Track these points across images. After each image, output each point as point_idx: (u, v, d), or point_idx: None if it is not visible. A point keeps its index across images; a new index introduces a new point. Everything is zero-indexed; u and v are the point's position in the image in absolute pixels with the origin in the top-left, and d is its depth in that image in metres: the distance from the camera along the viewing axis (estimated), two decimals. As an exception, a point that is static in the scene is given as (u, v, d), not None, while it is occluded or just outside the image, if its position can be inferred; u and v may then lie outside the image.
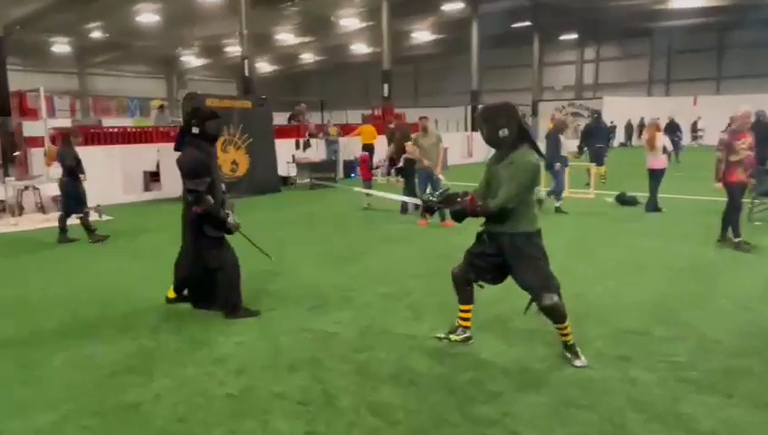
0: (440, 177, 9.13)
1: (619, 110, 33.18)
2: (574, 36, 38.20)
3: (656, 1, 29.35)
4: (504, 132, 3.77)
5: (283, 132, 16.69)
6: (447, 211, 4.68)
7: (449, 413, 3.27)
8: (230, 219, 4.80)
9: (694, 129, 31.52)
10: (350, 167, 17.51)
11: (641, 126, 32.50)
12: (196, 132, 4.76)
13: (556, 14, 32.90)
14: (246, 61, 18.13)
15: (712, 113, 27.26)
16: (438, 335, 4.31)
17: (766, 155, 11.64)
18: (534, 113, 34.48)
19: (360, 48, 40.12)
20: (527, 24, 34.46)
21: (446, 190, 4.33)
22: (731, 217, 7.23)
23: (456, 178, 10.84)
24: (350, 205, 11.75)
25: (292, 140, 16.46)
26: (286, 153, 15.69)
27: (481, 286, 4.20)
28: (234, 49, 34.20)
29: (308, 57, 44.34)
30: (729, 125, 8.25)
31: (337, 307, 5.19)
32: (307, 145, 16.73)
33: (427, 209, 4.68)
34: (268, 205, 12.28)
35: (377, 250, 7.52)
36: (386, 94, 24.89)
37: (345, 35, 36.67)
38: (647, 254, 7.01)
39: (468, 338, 4.24)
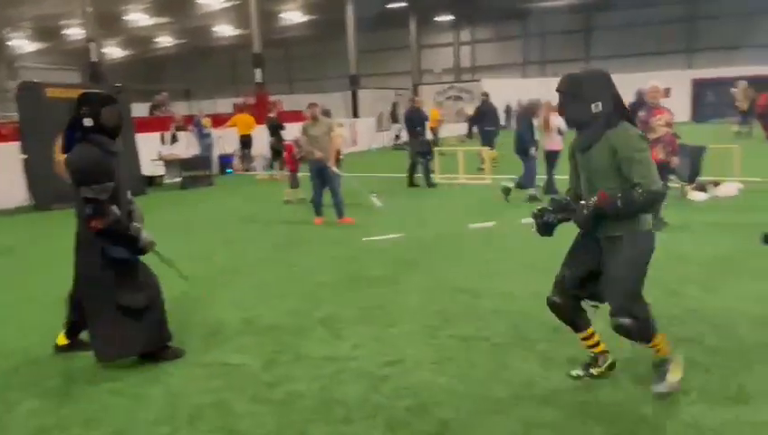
0: (334, 169, 8.68)
1: (497, 92, 34.68)
2: (450, 18, 39.31)
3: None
4: (597, 106, 3.19)
5: (146, 125, 15.30)
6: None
7: (397, 455, 2.87)
8: (143, 236, 3.88)
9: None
10: (225, 162, 16.50)
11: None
12: (89, 125, 3.79)
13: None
14: (93, 44, 16.42)
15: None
16: (575, 373, 3.56)
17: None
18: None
19: (225, 30, 38.41)
20: (403, 4, 34.86)
21: (559, 199, 3.56)
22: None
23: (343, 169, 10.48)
24: (231, 207, 10.96)
25: (157, 134, 15.14)
26: (151, 149, 14.36)
27: (596, 307, 3.49)
28: (76, 31, 31.15)
29: (166, 40, 41.67)
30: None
31: (235, 332, 4.57)
32: (174, 139, 15.48)
33: (547, 228, 3.59)
34: (133, 210, 11.10)
35: (272, 259, 6.91)
36: (259, 80, 23.87)
37: (207, 16, 34.85)
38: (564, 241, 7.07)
39: (613, 364, 3.55)
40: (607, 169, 3.17)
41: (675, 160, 7.46)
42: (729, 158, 10.56)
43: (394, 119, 25.79)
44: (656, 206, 3.17)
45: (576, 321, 3.51)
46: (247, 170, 16.48)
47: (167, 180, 14.42)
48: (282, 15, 35.32)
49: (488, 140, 14.20)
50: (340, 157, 10.80)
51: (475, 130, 18.76)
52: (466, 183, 12.68)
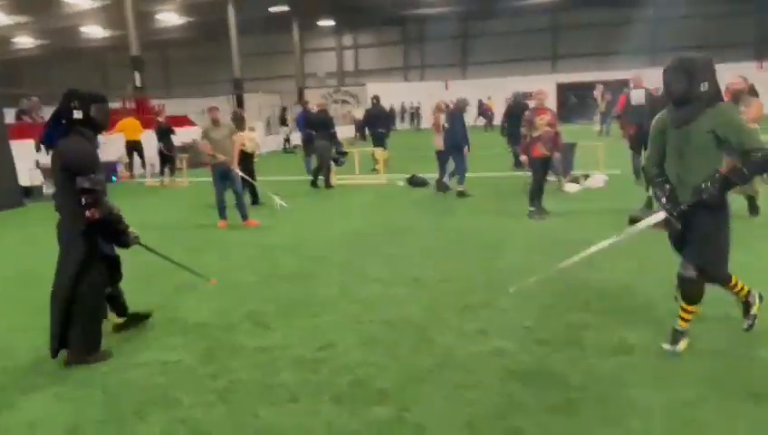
0: (238, 171, 8.74)
1: (381, 95, 35.67)
2: (332, 23, 39.78)
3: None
4: (704, 86, 3.55)
5: (22, 131, 14.25)
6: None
7: (345, 423, 3.17)
8: (131, 230, 4.09)
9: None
10: (109, 169, 15.72)
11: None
12: (78, 117, 3.93)
13: (313, 0, 33.85)
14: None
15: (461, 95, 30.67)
16: (667, 348, 3.82)
17: (521, 133, 13.65)
18: (300, 102, 35.07)
19: (95, 31, 36.22)
20: (285, 8, 34.81)
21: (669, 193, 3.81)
22: (533, 188, 8.33)
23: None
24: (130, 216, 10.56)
25: (33, 142, 14.12)
26: (27, 157, 13.38)
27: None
28: None
29: (26, 41, 38.51)
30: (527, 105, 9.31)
31: (164, 332, 4.63)
32: (51, 147, 14.52)
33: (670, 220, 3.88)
34: (9, 223, 10.40)
35: (187, 262, 6.89)
36: (138, 84, 22.94)
37: (74, 16, 32.71)
38: (466, 231, 7.70)
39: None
40: (706, 144, 3.59)
41: (556, 155, 8.39)
42: (594, 154, 11.86)
43: (283, 122, 25.77)
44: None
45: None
46: (134, 177, 15.85)
47: (47, 191, 13.53)
48: (158, 17, 33.97)
49: (380, 141, 14.79)
50: (255, 160, 10.84)
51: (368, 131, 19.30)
52: (363, 183, 13.12)
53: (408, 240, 7.43)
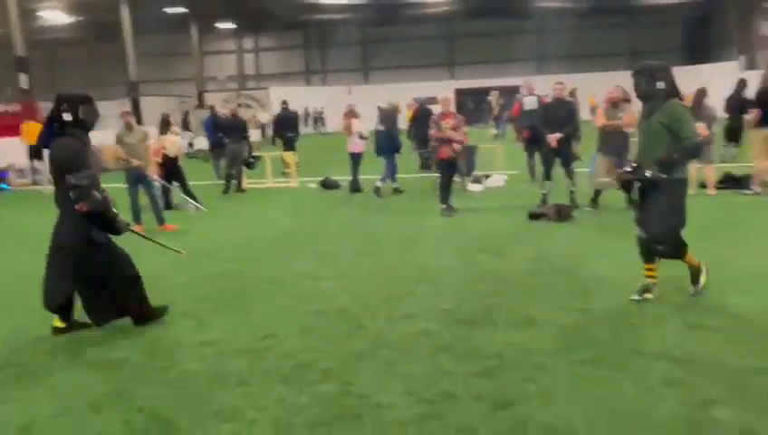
0: (154, 176, 8.71)
1: (285, 99, 35.67)
2: (232, 26, 39.23)
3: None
4: (660, 85, 4.51)
5: None
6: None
7: (296, 398, 3.50)
8: (119, 218, 4.47)
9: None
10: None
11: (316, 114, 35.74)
12: (68, 119, 4.34)
13: (211, 1, 33.25)
14: None
15: (364, 101, 31.31)
16: (635, 298, 4.73)
17: (427, 136, 14.39)
18: (201, 105, 34.28)
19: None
20: (182, 10, 33.94)
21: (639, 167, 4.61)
22: (441, 187, 8.99)
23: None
24: (25, 227, 10.15)
25: None
26: None
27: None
28: None
29: None
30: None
31: (104, 332, 4.70)
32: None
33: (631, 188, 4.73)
34: None
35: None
36: (25, 86, 21.61)
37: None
38: (384, 229, 8.17)
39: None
40: (659, 133, 4.51)
41: (456, 147, 9.08)
42: (494, 155, 12.79)
43: (185, 126, 25.18)
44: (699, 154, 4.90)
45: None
46: (35, 184, 15.05)
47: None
48: (42, 14, 31.94)
49: (290, 145, 15.00)
50: (179, 164, 10.72)
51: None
52: (275, 187, 13.30)
53: (331, 239, 7.80)
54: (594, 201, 8.72)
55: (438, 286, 5.49)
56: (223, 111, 17.14)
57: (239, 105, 33.00)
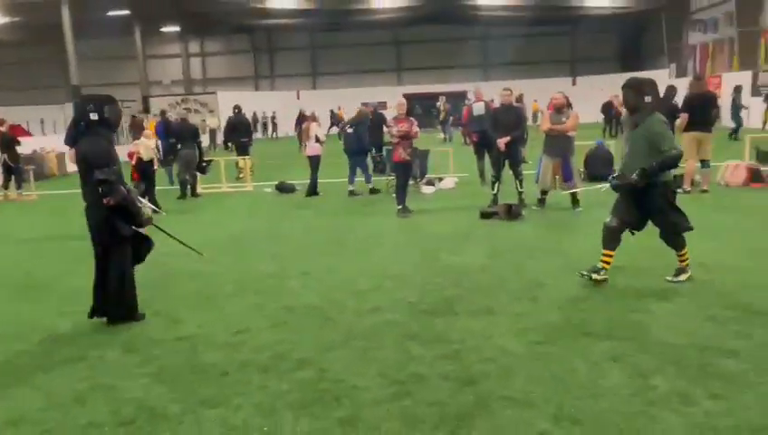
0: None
1: (232, 104, 35.39)
2: (177, 29, 38.62)
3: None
4: (648, 99, 5.00)
5: None
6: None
7: (276, 385, 3.73)
8: (143, 212, 4.88)
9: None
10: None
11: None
12: (94, 118, 4.66)
13: (155, 4, 32.66)
14: None
15: (312, 106, 31.37)
16: (583, 273, 5.29)
17: (381, 141, 14.75)
18: (147, 110, 33.62)
19: None
20: (125, 12, 33.24)
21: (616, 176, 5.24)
22: (397, 189, 9.32)
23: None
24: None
25: None
26: None
27: (633, 234, 5.39)
28: None
29: None
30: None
31: (75, 334, 4.80)
32: None
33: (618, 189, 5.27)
34: None
35: (75, 272, 6.88)
36: (-41, 90, 20.76)
37: None
38: (342, 230, 8.42)
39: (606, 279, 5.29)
40: (642, 145, 5.02)
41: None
42: (446, 159, 13.24)
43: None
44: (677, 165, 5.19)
45: (615, 242, 5.29)
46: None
47: None
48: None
49: (244, 150, 15.04)
50: (155, 168, 10.68)
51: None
52: (230, 191, 13.34)
53: (290, 240, 8.00)
54: (541, 201, 9.23)
55: (401, 282, 5.79)
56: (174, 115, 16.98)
57: (186, 110, 32.61)
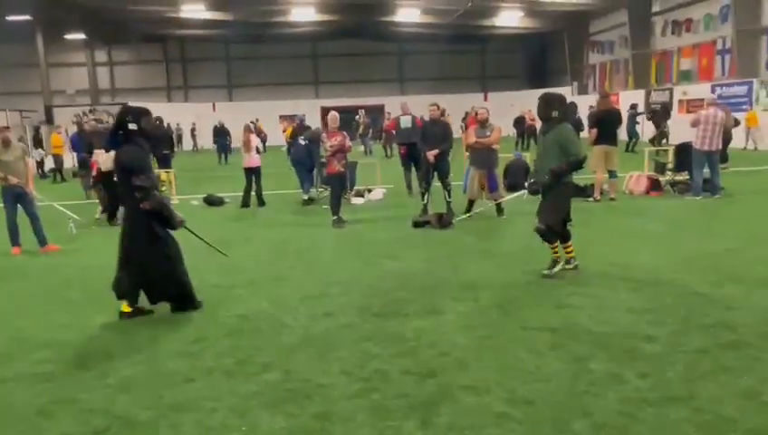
0: (35, 194, 8.36)
1: (158, 116, 34.13)
2: (82, 36, 36.86)
3: (166, 9, 31.28)
4: (555, 113, 5.82)
5: None
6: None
7: (245, 386, 3.86)
8: (176, 215, 5.20)
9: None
10: None
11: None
12: (133, 128, 5.07)
13: (59, 10, 31.06)
14: None
15: (229, 118, 30.77)
16: (545, 273, 5.98)
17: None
18: (50, 121, 31.80)
19: None
20: (26, 17, 31.37)
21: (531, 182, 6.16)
22: (332, 201, 9.56)
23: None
24: None
25: None
26: None
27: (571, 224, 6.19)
28: None
29: None
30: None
31: (20, 349, 4.67)
32: None
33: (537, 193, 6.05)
34: None
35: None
36: None
37: None
38: (280, 241, 8.52)
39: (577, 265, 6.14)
40: (552, 149, 5.82)
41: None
42: (373, 170, 13.61)
43: (38, 144, 23.39)
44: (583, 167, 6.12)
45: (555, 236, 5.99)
46: None
47: None
48: None
49: (166, 163, 14.72)
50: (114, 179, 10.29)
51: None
52: (154, 205, 13.00)
53: (230, 251, 7.99)
54: (468, 210, 9.75)
55: (348, 287, 6.03)
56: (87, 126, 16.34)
57: (97, 121, 31.17)
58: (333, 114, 9.83)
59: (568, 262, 6.16)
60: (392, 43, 39.75)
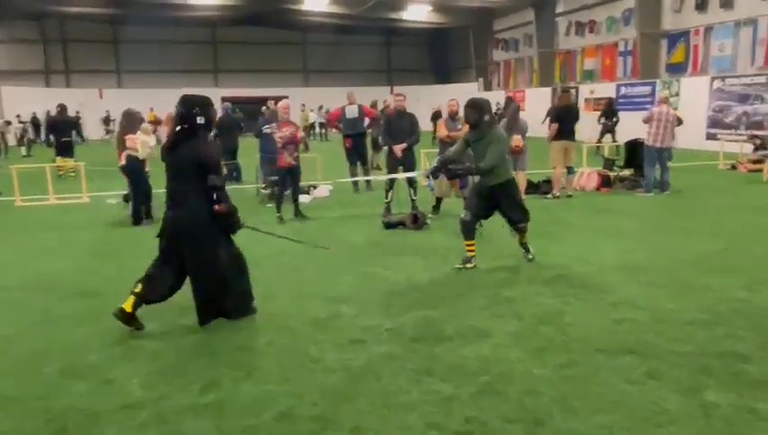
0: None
1: (21, 101, 30.33)
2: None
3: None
4: (487, 117, 6.00)
5: None
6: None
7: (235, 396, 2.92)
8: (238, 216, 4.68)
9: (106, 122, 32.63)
10: None
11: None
12: (201, 123, 4.51)
13: None
14: None
15: (118, 106, 28.20)
16: (458, 266, 6.10)
17: (235, 146, 13.64)
18: None
19: None
20: None
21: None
22: (278, 194, 8.91)
23: None
24: None
25: None
26: None
27: (481, 225, 6.62)
28: None
29: None
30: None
31: None
32: None
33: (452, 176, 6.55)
34: None
35: None
36: None
37: None
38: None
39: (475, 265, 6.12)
40: (485, 150, 5.91)
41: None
42: (314, 166, 12.55)
43: None
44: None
45: (473, 233, 6.20)
46: None
47: None
48: None
49: (65, 150, 12.87)
50: (148, 170, 8.95)
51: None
52: (59, 203, 11.15)
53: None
54: (436, 208, 9.09)
55: (359, 306, 5.11)
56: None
57: None
58: (285, 102, 8.81)
59: (468, 260, 6.16)
60: (297, 33, 38.34)
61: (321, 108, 32.44)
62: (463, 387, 3.60)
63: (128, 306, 4.52)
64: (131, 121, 9.08)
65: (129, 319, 4.53)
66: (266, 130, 10.42)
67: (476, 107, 6.03)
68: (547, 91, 27.44)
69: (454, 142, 8.64)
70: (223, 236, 4.63)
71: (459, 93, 26.27)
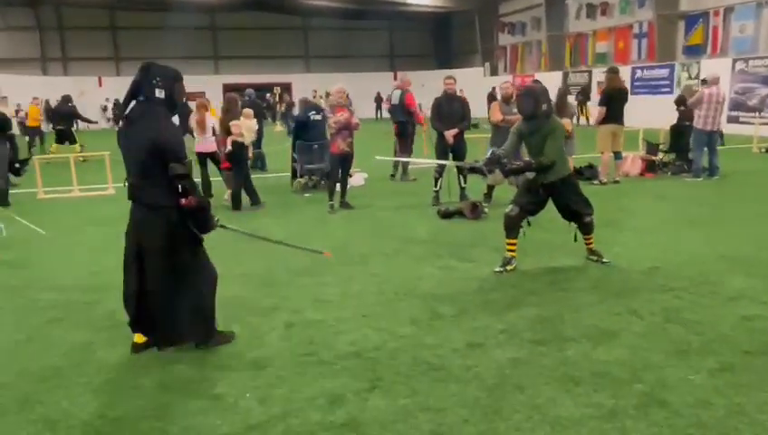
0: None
1: (15, 91, 29.51)
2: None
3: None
4: (544, 107, 5.30)
5: None
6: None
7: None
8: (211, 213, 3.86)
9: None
10: None
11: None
12: (161, 97, 3.67)
13: None
14: None
15: (118, 95, 27.51)
16: (497, 269, 5.40)
17: (260, 134, 13.12)
18: None
19: None
20: None
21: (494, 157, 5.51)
22: (330, 182, 8.51)
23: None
24: None
25: None
26: None
27: (529, 223, 5.56)
28: None
29: None
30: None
31: None
32: None
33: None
34: None
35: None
36: None
37: None
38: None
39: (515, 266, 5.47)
40: (542, 144, 5.30)
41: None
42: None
43: None
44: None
45: (517, 231, 5.47)
46: None
47: None
48: None
49: (65, 137, 12.50)
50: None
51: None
52: (84, 195, 10.64)
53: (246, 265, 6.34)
54: (488, 196, 8.68)
55: (454, 303, 4.72)
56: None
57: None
58: (340, 87, 8.32)
59: (508, 262, 5.47)
60: (297, 18, 37.56)
61: (327, 94, 31.86)
62: (622, 398, 3.21)
63: (139, 338, 3.93)
64: (234, 107, 8.96)
65: (146, 346, 3.91)
66: (315, 116, 9.97)
67: (532, 95, 5.37)
68: (558, 75, 26.99)
69: (508, 127, 8.25)
70: (188, 239, 3.76)
71: (465, 78, 25.88)
